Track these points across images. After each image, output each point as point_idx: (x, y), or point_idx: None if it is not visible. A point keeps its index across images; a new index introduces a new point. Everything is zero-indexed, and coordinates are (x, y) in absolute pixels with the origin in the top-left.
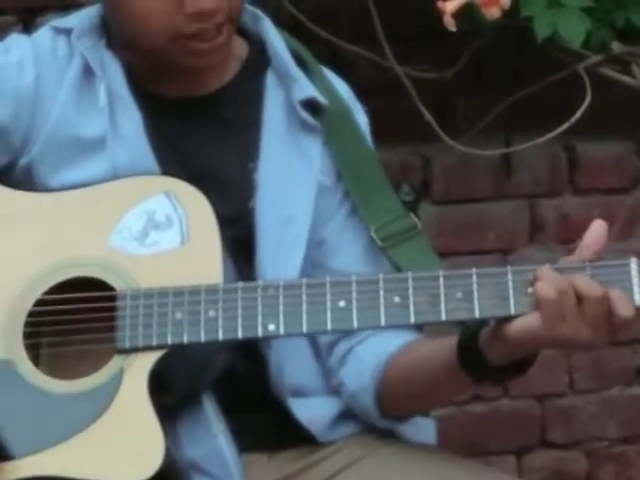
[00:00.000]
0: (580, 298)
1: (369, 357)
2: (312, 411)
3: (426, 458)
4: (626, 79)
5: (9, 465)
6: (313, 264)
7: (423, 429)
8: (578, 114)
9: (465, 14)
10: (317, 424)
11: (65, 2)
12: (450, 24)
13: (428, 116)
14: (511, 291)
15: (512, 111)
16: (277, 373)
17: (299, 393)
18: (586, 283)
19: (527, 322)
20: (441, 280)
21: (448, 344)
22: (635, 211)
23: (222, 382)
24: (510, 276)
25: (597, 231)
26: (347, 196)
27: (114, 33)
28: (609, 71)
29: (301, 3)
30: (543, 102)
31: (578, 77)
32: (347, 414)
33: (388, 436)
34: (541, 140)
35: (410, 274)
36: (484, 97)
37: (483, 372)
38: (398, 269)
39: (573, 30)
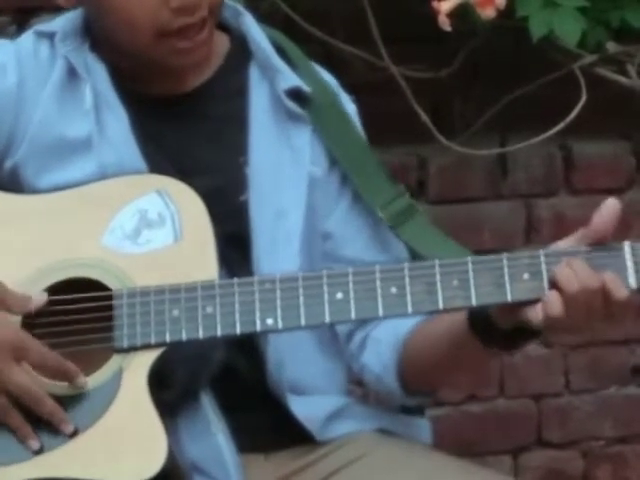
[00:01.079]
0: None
1: (387, 337)
2: (310, 408)
3: (422, 458)
4: (621, 79)
5: (12, 467)
6: (324, 256)
7: (419, 429)
8: (573, 114)
9: (460, 14)
10: (314, 422)
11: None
12: (445, 24)
13: (424, 116)
14: (507, 277)
15: (508, 111)
16: (276, 369)
17: (298, 390)
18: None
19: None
20: (437, 268)
21: (460, 315)
22: (631, 211)
23: (221, 379)
24: (505, 262)
25: (608, 210)
26: (345, 185)
27: (97, 35)
28: (604, 71)
29: (296, 3)
30: (539, 102)
31: (573, 77)
32: (344, 413)
33: (385, 436)
34: (537, 140)
35: (406, 264)
36: (480, 97)
37: (493, 336)
38: (408, 247)
39: (568, 30)
